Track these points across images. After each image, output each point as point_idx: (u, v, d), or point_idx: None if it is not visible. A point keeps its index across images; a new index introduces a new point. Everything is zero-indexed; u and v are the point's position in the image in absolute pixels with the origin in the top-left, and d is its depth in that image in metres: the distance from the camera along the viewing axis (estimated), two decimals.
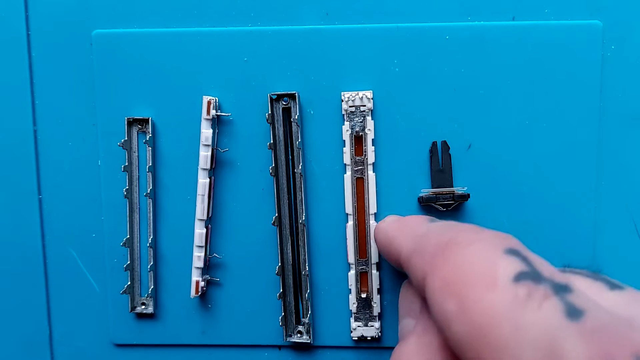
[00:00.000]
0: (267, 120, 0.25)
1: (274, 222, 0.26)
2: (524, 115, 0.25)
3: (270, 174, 0.25)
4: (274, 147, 0.25)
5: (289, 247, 0.26)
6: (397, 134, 0.26)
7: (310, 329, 0.26)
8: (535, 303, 0.14)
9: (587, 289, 0.15)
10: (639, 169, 0.26)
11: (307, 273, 0.26)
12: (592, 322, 0.13)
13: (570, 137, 0.25)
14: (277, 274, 0.26)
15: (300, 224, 0.26)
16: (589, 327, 0.13)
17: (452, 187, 0.25)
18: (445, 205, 0.25)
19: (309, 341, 0.26)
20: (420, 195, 0.25)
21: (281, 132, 0.26)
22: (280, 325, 0.26)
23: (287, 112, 0.26)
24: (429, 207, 0.25)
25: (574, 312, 0.13)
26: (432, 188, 0.25)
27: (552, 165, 0.25)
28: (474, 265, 0.15)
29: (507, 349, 0.13)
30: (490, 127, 0.25)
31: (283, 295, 0.26)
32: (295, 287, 0.26)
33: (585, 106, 0.25)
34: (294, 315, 0.26)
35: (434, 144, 0.25)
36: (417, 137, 0.26)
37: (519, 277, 0.14)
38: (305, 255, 0.26)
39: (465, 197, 0.25)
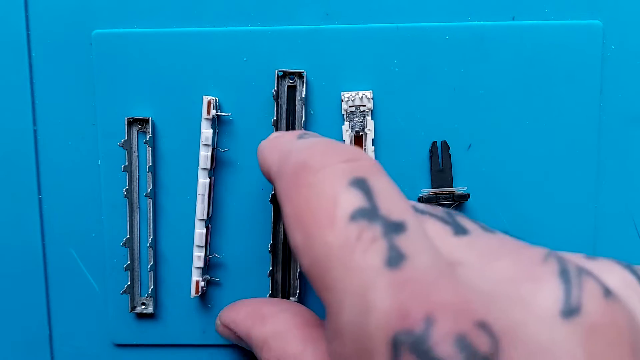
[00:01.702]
0: (272, 97, 0.25)
1: (271, 199, 0.26)
2: (524, 115, 0.25)
3: None
4: (276, 124, 0.25)
5: (281, 225, 0.26)
6: (397, 134, 0.26)
7: None
8: (363, 246, 0.13)
9: (432, 232, 0.15)
10: (639, 169, 0.26)
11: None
12: (408, 271, 0.13)
13: (570, 137, 0.25)
14: (269, 252, 0.26)
15: None
16: (402, 277, 0.13)
17: (452, 187, 0.25)
18: (445, 205, 0.25)
19: None
20: (420, 195, 0.25)
21: (284, 110, 0.26)
22: None
23: (292, 91, 0.25)
24: None
25: (395, 259, 0.13)
26: (432, 188, 0.25)
27: (552, 165, 0.25)
28: (318, 198, 0.15)
29: (334, 291, 0.13)
30: (490, 127, 0.25)
31: (272, 273, 0.26)
32: (284, 265, 0.26)
33: (585, 106, 0.25)
34: (279, 295, 0.26)
35: (434, 144, 0.25)
36: (417, 137, 0.26)
37: (356, 215, 0.14)
38: None
39: (465, 197, 0.25)
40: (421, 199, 0.25)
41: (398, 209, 0.14)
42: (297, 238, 0.15)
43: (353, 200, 0.14)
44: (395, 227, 0.14)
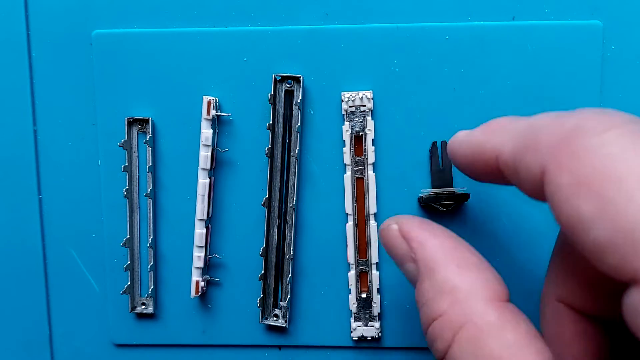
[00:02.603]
0: (268, 101, 0.25)
1: (264, 203, 0.25)
2: (524, 115, 0.25)
3: (266, 154, 0.25)
4: (272, 128, 0.25)
5: (276, 229, 0.26)
6: (397, 134, 0.26)
7: (287, 314, 0.26)
8: None
9: None
10: None
11: (290, 257, 0.26)
12: None
13: None
14: (260, 255, 0.26)
15: (290, 207, 0.26)
16: None
17: (452, 186, 0.25)
18: (445, 205, 0.25)
19: (284, 325, 0.26)
20: (420, 195, 0.25)
21: (281, 114, 0.26)
22: (258, 307, 0.26)
23: (289, 95, 0.25)
24: (429, 207, 0.25)
25: None
26: (432, 188, 0.25)
27: None
28: (615, 159, 0.13)
29: None
30: None
31: (264, 277, 0.26)
32: (277, 271, 0.26)
33: (585, 106, 0.25)
34: (272, 298, 0.26)
35: (434, 144, 0.25)
36: (417, 137, 0.26)
37: None
38: (290, 240, 0.26)
39: (465, 196, 0.25)
40: (421, 199, 0.25)
41: None
42: (584, 208, 0.13)
43: None
44: None
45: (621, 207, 0.13)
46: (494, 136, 0.18)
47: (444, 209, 0.25)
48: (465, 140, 0.19)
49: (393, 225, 0.20)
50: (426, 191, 0.25)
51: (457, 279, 0.17)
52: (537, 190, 0.15)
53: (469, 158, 0.19)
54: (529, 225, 0.26)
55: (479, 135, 0.18)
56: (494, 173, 0.18)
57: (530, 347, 0.16)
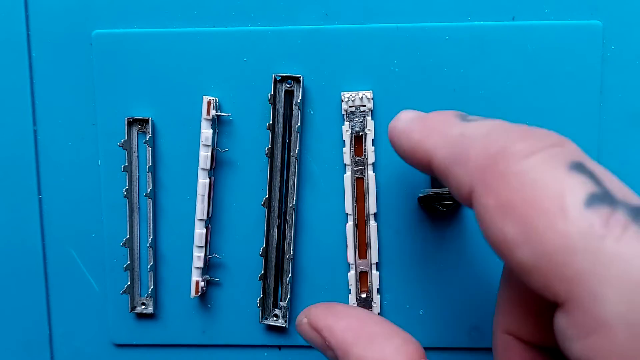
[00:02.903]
0: (268, 101, 0.25)
1: (264, 203, 0.25)
2: (523, 115, 0.25)
3: (266, 154, 0.25)
4: (272, 128, 0.25)
5: (276, 229, 0.26)
6: None
7: (287, 314, 0.26)
8: (614, 233, 0.13)
9: None
10: (639, 169, 0.26)
11: (290, 257, 0.26)
12: None
13: (570, 137, 0.25)
14: (260, 255, 0.26)
15: (290, 207, 0.26)
16: None
17: None
18: (445, 205, 0.25)
19: (284, 325, 0.26)
20: (420, 195, 0.25)
21: (281, 114, 0.26)
22: (258, 307, 0.26)
23: (289, 95, 0.25)
24: (429, 207, 0.25)
25: None
26: (432, 188, 0.25)
27: None
28: (537, 185, 0.14)
29: (583, 282, 0.13)
30: None
31: (264, 277, 0.26)
32: (277, 271, 0.26)
33: (585, 106, 0.25)
34: (272, 298, 0.26)
35: None
36: None
37: (591, 202, 0.13)
38: (290, 240, 0.26)
39: None
40: (421, 199, 0.25)
41: (629, 193, 0.14)
42: (508, 230, 0.14)
43: (582, 185, 0.13)
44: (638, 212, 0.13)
45: (543, 233, 0.13)
46: (428, 138, 0.18)
47: (443, 208, 0.25)
48: (404, 134, 0.19)
49: (304, 319, 0.21)
50: (426, 191, 0.25)
51: (369, 354, 0.18)
52: (465, 202, 0.16)
53: (406, 152, 0.19)
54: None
55: (416, 133, 0.18)
56: (428, 170, 0.18)
57: None
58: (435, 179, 0.25)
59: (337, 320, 0.20)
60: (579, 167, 0.14)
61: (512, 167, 0.14)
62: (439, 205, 0.25)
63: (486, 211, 0.14)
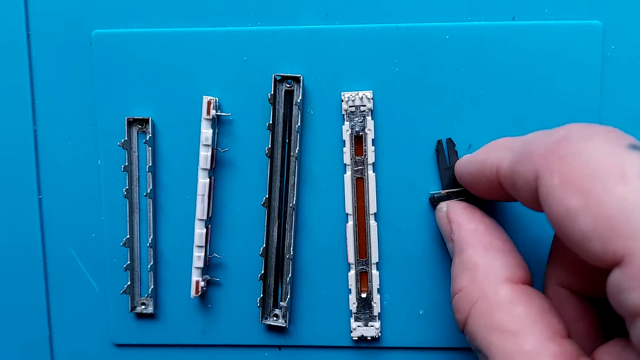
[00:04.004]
0: (268, 101, 0.25)
1: (264, 203, 0.25)
2: (524, 115, 0.25)
3: (266, 154, 0.25)
4: (272, 128, 0.25)
5: (276, 229, 0.26)
6: (397, 133, 0.26)
7: (287, 314, 0.26)
8: None
9: None
10: None
11: (290, 257, 0.26)
12: None
13: None
14: (260, 255, 0.26)
15: (290, 207, 0.26)
16: None
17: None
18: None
19: (284, 325, 0.26)
20: (432, 195, 0.25)
21: (281, 114, 0.26)
22: (258, 307, 0.26)
23: (289, 95, 0.25)
24: None
25: None
26: (442, 186, 0.25)
27: None
28: (598, 160, 0.15)
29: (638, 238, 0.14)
30: (490, 127, 0.25)
31: (264, 277, 0.26)
32: (277, 271, 0.26)
33: (585, 106, 0.25)
34: (272, 298, 0.26)
35: (439, 142, 0.25)
36: (417, 137, 0.26)
37: None
38: (290, 239, 0.26)
39: None
40: (433, 199, 0.25)
41: None
42: (572, 201, 0.15)
43: (639, 159, 0.15)
44: None
45: (602, 199, 0.15)
46: (493, 153, 0.20)
47: None
48: (470, 160, 0.22)
49: (444, 207, 0.23)
50: (437, 192, 0.25)
51: (480, 259, 0.20)
52: (533, 197, 0.17)
53: (472, 174, 0.22)
54: (529, 226, 0.26)
55: (481, 154, 0.21)
56: (496, 187, 0.20)
57: (539, 320, 0.18)
58: (444, 177, 0.25)
59: (468, 220, 0.22)
60: (635, 147, 0.15)
61: (575, 148, 0.16)
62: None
63: (551, 190, 0.16)
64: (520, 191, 0.18)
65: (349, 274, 0.26)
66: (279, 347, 0.27)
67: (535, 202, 0.17)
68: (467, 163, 0.22)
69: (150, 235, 0.27)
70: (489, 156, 0.20)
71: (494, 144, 0.21)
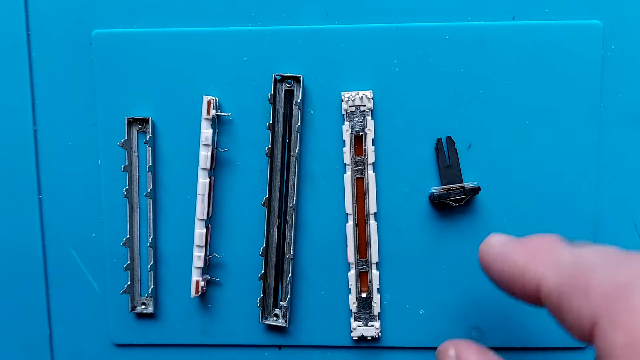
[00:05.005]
0: (268, 101, 0.25)
1: (264, 203, 0.25)
2: (524, 115, 0.25)
3: (266, 154, 0.25)
4: (272, 127, 0.25)
5: (276, 229, 0.26)
6: (397, 133, 0.26)
7: (287, 314, 0.26)
8: None
9: None
10: (639, 169, 0.26)
11: (290, 257, 0.26)
12: None
13: (571, 137, 0.25)
14: (260, 255, 0.26)
15: (290, 207, 0.26)
16: None
17: (462, 182, 0.25)
18: (456, 200, 0.25)
19: (284, 325, 0.26)
20: (431, 192, 0.25)
21: (281, 114, 0.26)
22: (258, 307, 0.26)
23: (289, 95, 0.25)
24: (440, 203, 0.25)
25: None
26: (442, 184, 0.25)
27: (552, 165, 0.25)
28: None
29: None
30: (490, 127, 0.25)
31: (264, 277, 0.26)
32: (277, 270, 0.26)
33: (585, 106, 0.25)
34: (272, 298, 0.26)
35: (439, 140, 0.25)
36: (417, 137, 0.26)
37: None
38: (290, 239, 0.26)
39: (476, 190, 0.25)
40: (432, 197, 0.25)
41: None
42: None
43: None
44: None
45: None
46: (534, 262, 0.17)
47: (455, 204, 0.25)
48: (502, 257, 0.18)
49: (451, 351, 0.20)
50: (436, 188, 0.25)
51: None
52: (583, 336, 0.15)
53: (505, 276, 0.18)
54: (529, 225, 0.26)
55: (518, 255, 0.18)
56: (531, 298, 0.17)
57: None
58: (444, 175, 0.25)
59: None
60: None
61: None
62: (450, 201, 0.25)
63: (612, 349, 0.14)
64: (569, 325, 0.15)
65: (349, 273, 0.26)
66: (279, 346, 0.27)
67: (586, 340, 0.15)
68: (501, 262, 0.18)
69: (150, 235, 0.27)
70: (529, 267, 0.17)
71: (535, 246, 0.17)
